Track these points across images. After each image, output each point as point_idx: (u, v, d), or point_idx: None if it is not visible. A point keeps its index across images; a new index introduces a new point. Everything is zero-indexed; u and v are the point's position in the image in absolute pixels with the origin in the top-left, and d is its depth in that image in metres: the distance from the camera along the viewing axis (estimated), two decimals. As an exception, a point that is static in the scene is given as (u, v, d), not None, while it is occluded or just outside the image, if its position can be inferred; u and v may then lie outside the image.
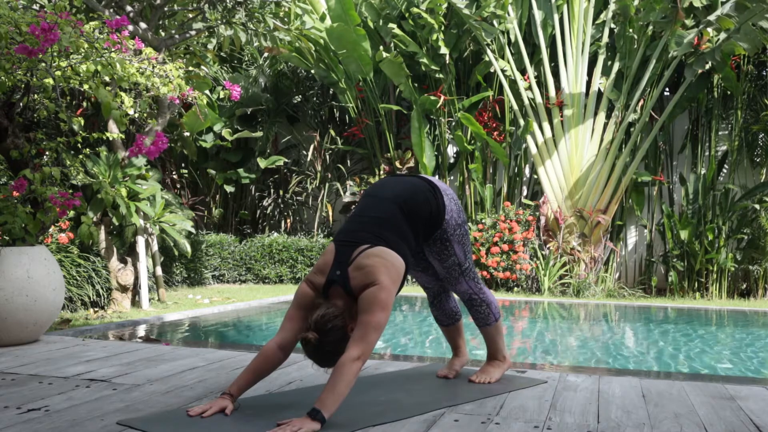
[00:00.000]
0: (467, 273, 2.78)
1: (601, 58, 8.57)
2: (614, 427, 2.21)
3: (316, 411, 2.10)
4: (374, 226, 2.44)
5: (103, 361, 3.27)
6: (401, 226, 2.48)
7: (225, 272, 8.85)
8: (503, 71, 8.69)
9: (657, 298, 8.04)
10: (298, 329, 2.34)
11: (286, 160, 10.00)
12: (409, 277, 8.80)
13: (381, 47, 8.91)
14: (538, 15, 8.67)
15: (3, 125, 4.05)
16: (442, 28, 8.69)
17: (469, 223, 9.03)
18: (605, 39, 8.56)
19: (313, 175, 9.91)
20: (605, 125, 8.61)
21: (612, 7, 8.47)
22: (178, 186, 9.80)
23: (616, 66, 8.51)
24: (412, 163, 9.14)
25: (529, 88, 8.68)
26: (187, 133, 8.90)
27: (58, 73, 4.03)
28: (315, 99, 10.32)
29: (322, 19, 9.22)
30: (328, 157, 9.93)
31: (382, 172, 9.18)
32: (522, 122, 8.67)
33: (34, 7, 5.57)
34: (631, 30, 8.44)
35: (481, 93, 8.94)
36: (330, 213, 9.83)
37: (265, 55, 10.14)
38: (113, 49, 4.07)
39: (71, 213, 5.39)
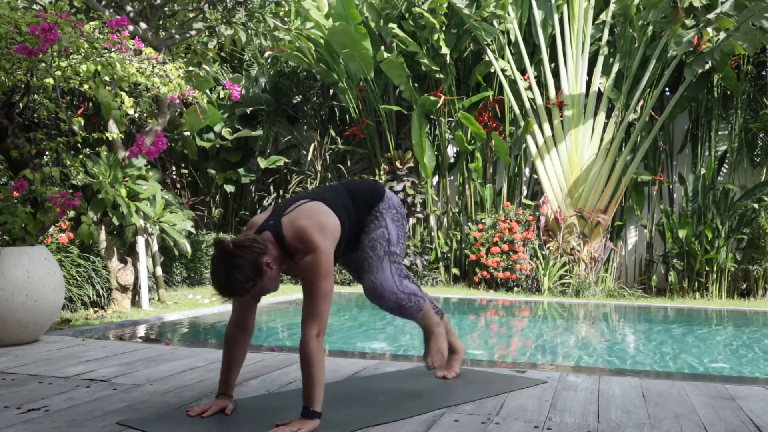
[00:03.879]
0: (394, 257, 2.61)
1: (601, 58, 8.57)
2: (614, 427, 2.21)
3: (307, 409, 2.11)
4: (315, 191, 2.52)
5: (103, 361, 3.27)
6: (342, 193, 2.55)
7: (225, 272, 8.83)
8: (503, 71, 8.69)
9: (657, 298, 8.04)
10: (245, 303, 2.34)
11: (286, 160, 10.00)
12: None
13: (381, 47, 8.91)
14: (538, 15, 8.67)
15: (3, 125, 4.05)
16: (443, 27, 8.69)
17: (469, 224, 9.04)
18: (605, 39, 8.56)
19: (313, 175, 9.91)
20: (605, 125, 8.61)
21: (612, 7, 8.47)
22: (178, 186, 9.80)
23: (616, 66, 8.51)
24: (412, 163, 9.14)
25: (529, 88, 8.68)
26: (187, 132, 8.90)
27: (58, 73, 4.03)
28: (315, 99, 10.32)
29: (327, 17, 9.21)
30: (328, 157, 9.92)
31: (382, 172, 9.18)
32: (522, 122, 8.67)
33: (34, 7, 5.57)
34: (631, 30, 8.44)
35: (481, 93, 8.94)
36: (330, 213, 9.80)
37: (266, 54, 10.14)
38: (113, 49, 4.07)
39: (71, 213, 5.39)
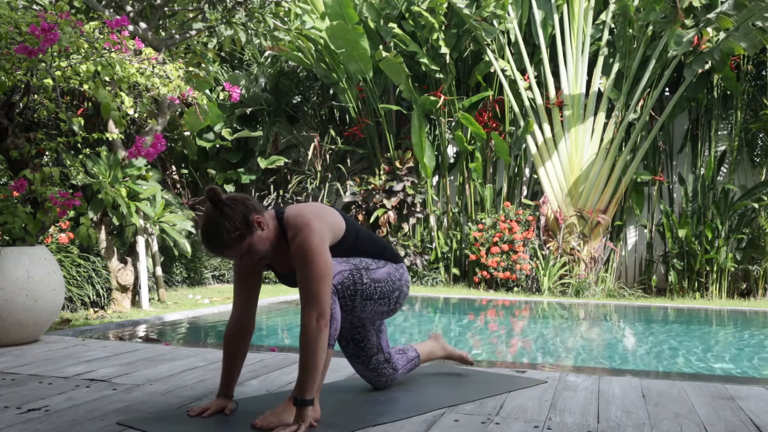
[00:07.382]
0: (358, 275, 2.32)
1: (601, 58, 8.57)
2: (614, 427, 2.21)
3: (296, 399, 2.09)
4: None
5: (103, 361, 3.27)
6: (361, 226, 2.47)
7: (225, 272, 8.85)
8: (503, 71, 8.69)
9: (657, 298, 8.04)
10: (245, 297, 2.32)
11: (286, 160, 10.00)
12: (409, 277, 8.79)
13: (381, 47, 8.91)
14: (538, 15, 8.67)
15: (3, 125, 4.05)
16: (443, 27, 8.69)
17: (469, 224, 9.04)
18: (605, 39, 8.56)
19: (313, 175, 9.91)
20: (605, 125, 8.61)
21: (612, 7, 8.47)
22: (179, 186, 9.80)
23: (616, 66, 8.51)
24: (411, 163, 9.14)
25: (529, 88, 8.68)
26: (187, 133, 8.89)
27: (58, 73, 4.03)
28: (315, 99, 10.32)
29: (323, 17, 9.22)
30: (328, 157, 9.92)
31: (382, 172, 9.18)
32: (522, 122, 8.67)
33: (34, 7, 5.57)
34: (630, 30, 8.44)
35: (481, 93, 8.94)
36: (330, 213, 9.79)
37: (266, 53, 10.13)
38: (113, 50, 4.07)
39: (71, 213, 5.39)
